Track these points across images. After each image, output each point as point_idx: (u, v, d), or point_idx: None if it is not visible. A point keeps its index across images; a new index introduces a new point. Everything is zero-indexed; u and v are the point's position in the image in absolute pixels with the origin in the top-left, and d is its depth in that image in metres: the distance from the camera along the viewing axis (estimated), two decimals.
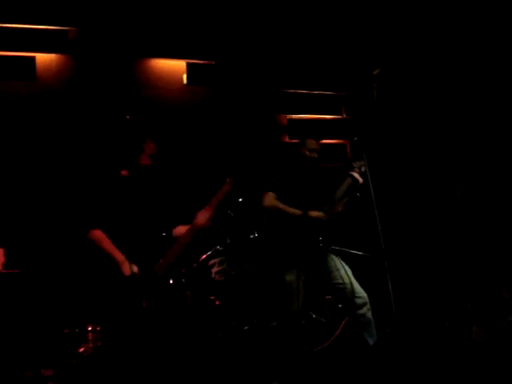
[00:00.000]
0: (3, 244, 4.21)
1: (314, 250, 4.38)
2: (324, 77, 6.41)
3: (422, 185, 6.02)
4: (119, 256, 3.73)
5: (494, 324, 4.01)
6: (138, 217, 3.89)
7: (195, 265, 4.30)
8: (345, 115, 6.54)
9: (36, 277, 4.54)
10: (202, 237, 3.93)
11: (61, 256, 4.92)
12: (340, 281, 4.39)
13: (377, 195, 4.19)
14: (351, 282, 4.37)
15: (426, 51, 6.02)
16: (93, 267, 3.89)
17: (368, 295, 4.40)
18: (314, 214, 4.39)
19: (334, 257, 4.47)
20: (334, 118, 6.50)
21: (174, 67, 5.85)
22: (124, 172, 3.96)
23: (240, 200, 4.43)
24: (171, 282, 3.77)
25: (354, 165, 4.52)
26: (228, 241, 4.45)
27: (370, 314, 4.36)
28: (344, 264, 4.44)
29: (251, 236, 4.44)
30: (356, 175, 4.49)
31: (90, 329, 3.98)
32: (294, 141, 5.83)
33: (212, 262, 4.25)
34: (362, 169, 4.46)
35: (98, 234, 3.79)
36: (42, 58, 5.40)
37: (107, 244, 3.76)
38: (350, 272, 4.45)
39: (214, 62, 5.96)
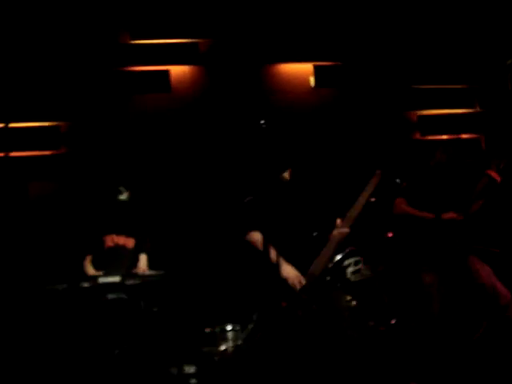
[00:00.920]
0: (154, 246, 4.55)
1: (453, 251, 4.29)
2: (455, 70, 6.22)
3: None
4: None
5: None
6: (294, 217, 3.95)
7: (331, 265, 4.32)
8: (478, 108, 6.31)
9: (180, 278, 4.77)
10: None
11: (208, 257, 5.20)
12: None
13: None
14: (492, 282, 4.24)
15: None
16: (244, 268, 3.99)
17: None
18: (448, 215, 4.32)
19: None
20: (467, 112, 6.28)
21: (301, 70, 5.93)
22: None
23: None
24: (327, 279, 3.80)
25: (492, 162, 4.39)
26: (362, 241, 4.44)
27: None
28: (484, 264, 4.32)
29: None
30: (493, 174, 4.35)
31: (229, 328, 4.10)
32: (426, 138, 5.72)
33: (347, 262, 4.25)
34: (500, 166, 4.32)
35: (257, 236, 3.86)
36: (176, 71, 5.70)
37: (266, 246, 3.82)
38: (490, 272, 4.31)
39: (340, 63, 5.96)
